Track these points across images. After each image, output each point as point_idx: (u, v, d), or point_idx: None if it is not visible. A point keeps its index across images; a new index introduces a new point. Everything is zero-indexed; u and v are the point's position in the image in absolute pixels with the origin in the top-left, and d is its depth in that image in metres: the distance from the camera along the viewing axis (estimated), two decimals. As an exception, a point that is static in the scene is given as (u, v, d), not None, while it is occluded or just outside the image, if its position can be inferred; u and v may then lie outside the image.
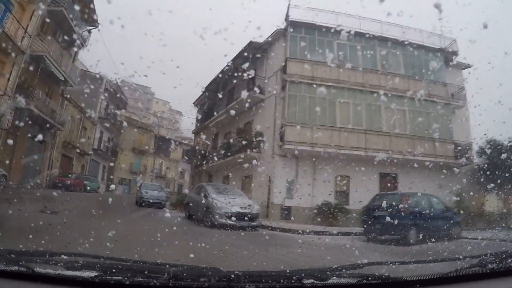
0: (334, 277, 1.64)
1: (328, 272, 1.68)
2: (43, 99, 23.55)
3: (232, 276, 1.55)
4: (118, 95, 41.10)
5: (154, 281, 1.47)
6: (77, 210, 13.41)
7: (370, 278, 1.63)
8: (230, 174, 23.37)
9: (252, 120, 22.34)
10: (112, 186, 39.39)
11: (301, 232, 13.34)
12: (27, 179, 23.61)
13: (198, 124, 33.08)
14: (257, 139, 20.27)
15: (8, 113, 20.75)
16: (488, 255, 2.00)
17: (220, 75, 27.11)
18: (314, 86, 20.54)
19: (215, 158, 24.44)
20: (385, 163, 19.85)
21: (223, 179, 24.21)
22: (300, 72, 20.51)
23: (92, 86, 37.01)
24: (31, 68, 23.11)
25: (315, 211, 18.71)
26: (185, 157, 33.15)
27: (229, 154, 21.95)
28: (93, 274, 1.49)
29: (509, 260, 1.77)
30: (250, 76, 22.27)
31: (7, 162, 22.16)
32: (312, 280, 1.56)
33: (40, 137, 24.81)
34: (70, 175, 27.10)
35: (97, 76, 38.44)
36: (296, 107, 19.81)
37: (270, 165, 19.30)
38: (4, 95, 20.54)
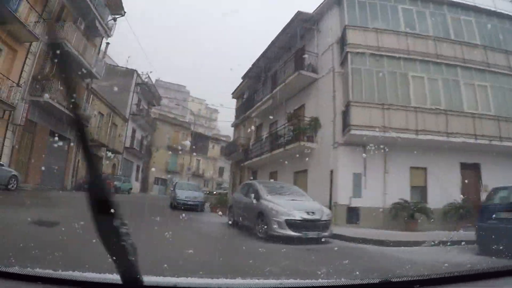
0: (333, 278, 1.72)
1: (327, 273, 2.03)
2: (62, 91, 20.78)
3: None
4: (150, 90, 38.43)
5: None
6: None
7: (370, 279, 1.60)
8: (277, 169, 19.83)
9: (304, 104, 18.66)
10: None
11: (389, 242, 9.68)
12: (48, 180, 21.03)
13: (238, 116, 29.73)
14: (312, 126, 16.64)
15: (22, 107, 18.09)
16: None
17: (261, 58, 23.69)
18: (381, 57, 16.64)
19: (260, 152, 20.99)
20: (467, 151, 16.26)
21: (270, 175, 20.70)
22: (363, 41, 16.60)
23: (121, 81, 34.60)
24: (48, 57, 20.51)
25: (390, 212, 14.96)
26: (225, 153, 29.56)
27: (277, 146, 18.42)
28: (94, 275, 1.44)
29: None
30: (299, 54, 18.71)
31: (24, 161, 19.75)
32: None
33: (62, 133, 22.16)
34: (98, 176, 24.31)
35: (127, 70, 36.01)
36: (361, 84, 15.96)
37: (332, 157, 15.59)
38: (17, 87, 17.87)
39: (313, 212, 9.49)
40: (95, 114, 26.90)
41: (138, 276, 1.36)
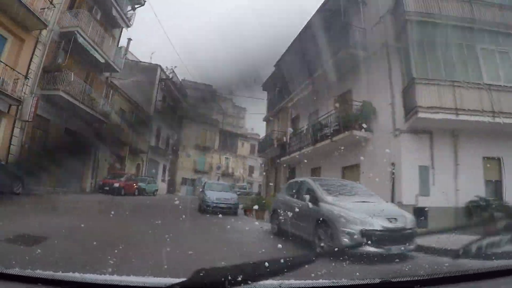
0: (332, 278, 1.59)
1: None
2: (77, 84, 18.73)
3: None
4: (175, 86, 36.31)
5: None
6: (98, 226, 8.00)
7: (370, 279, 1.58)
8: (321, 165, 17.12)
9: (351, 89, 15.87)
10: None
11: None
12: (65, 183, 19.02)
13: (270, 110, 27.12)
14: (365, 112, 13.89)
15: (30, 101, 16.06)
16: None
17: (297, 41, 21.05)
18: (445, 26, 13.70)
19: (299, 146, 18.34)
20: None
21: (312, 172, 18.02)
22: (423, 8, 13.73)
23: (144, 77, 32.61)
24: (60, 47, 18.50)
25: (466, 212, 12.06)
26: (258, 149, 26.95)
27: (321, 138, 15.73)
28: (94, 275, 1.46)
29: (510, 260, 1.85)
30: (343, 30, 15.95)
31: (36, 162, 17.77)
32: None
33: (79, 131, 20.13)
34: (120, 177, 22.28)
35: (150, 65, 34.01)
36: (425, 58, 13.09)
37: (392, 147, 12.77)
38: (24, 79, 15.86)
39: (395, 219, 6.80)
40: (116, 110, 24.83)
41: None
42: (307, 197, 7.73)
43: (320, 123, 15.90)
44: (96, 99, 20.31)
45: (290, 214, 8.32)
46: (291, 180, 10.48)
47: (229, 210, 15.63)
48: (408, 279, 1.57)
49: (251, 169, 53.41)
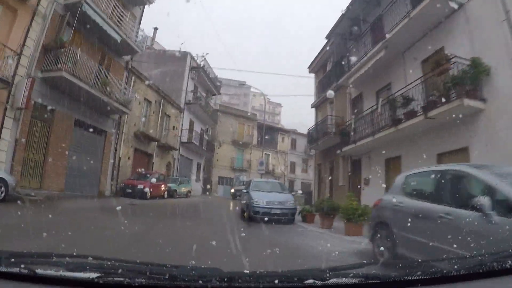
0: (334, 278, 1.52)
1: (328, 273, 1.58)
2: (86, 64, 15.28)
3: (233, 276, 1.47)
4: (208, 75, 32.69)
5: (155, 281, 1.42)
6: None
7: (371, 278, 1.55)
8: (401, 153, 12.82)
9: (443, 47, 11.43)
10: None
11: None
12: (77, 185, 15.71)
13: (321, 93, 22.91)
14: (474, 74, 9.53)
15: (24, 83, 12.68)
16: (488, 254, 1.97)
17: (355, 4, 16.92)
18: None
19: (370, 131, 14.09)
20: None
21: (387, 164, 13.77)
22: None
23: (173, 66, 29.23)
24: (65, 21, 15.08)
25: None
26: (308, 140, 22.57)
27: (405, 116, 11.44)
28: (94, 275, 1.40)
29: (509, 259, 1.67)
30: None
31: (38, 161, 14.42)
32: (313, 280, 1.47)
33: (93, 124, 16.70)
34: (146, 177, 18.75)
35: (179, 53, 30.58)
36: None
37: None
38: (14, 55, 12.49)
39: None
40: (140, 101, 21.37)
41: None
42: (486, 201, 3.59)
43: (403, 97, 11.54)
44: (111, 84, 16.79)
45: (426, 232, 4.18)
46: (418, 171, 5.79)
47: (285, 218, 11.65)
48: (411, 278, 1.53)
49: (293, 166, 49.27)
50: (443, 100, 9.67)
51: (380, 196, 6.99)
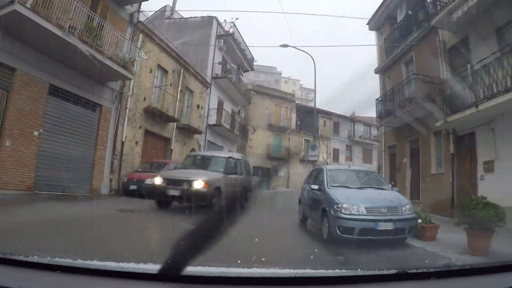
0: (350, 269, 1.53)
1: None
2: (62, 2, 10.11)
3: (241, 276, 1.45)
4: (238, 45, 27.21)
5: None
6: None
7: (387, 270, 1.53)
8: None
9: None
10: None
11: None
12: (56, 180, 10.79)
13: (390, 52, 17.02)
14: None
15: None
16: None
17: None
18: None
19: (494, 91, 8.36)
20: None
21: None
22: None
23: (197, 34, 24.06)
24: None
25: None
26: (379, 114, 16.21)
27: None
28: (114, 264, 1.42)
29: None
30: None
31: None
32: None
33: (79, 94, 11.50)
34: (158, 168, 13.61)
35: (203, 19, 25.34)
36: None
37: None
38: None
39: None
40: (152, 68, 16.20)
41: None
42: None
43: None
44: (103, 37, 11.60)
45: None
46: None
47: (400, 236, 6.17)
48: (425, 270, 1.56)
49: (336, 153, 43.29)
50: None
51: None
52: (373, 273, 1.50)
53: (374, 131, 47.11)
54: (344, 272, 1.51)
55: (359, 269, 1.54)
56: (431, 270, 1.54)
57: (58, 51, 10.59)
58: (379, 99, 16.75)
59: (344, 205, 6.01)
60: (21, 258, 1.40)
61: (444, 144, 12.55)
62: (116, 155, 13.68)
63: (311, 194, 7.86)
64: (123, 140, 13.95)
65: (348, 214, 5.90)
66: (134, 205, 9.92)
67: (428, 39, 13.77)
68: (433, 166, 13.22)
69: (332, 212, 6.09)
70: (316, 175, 8.58)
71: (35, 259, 1.40)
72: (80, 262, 1.39)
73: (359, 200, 6.18)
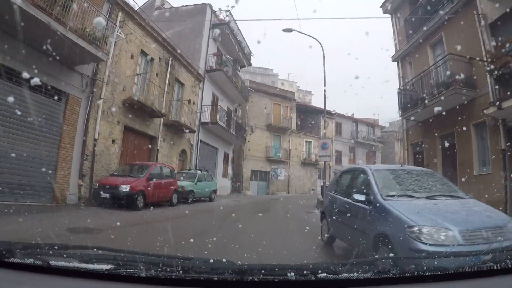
0: (346, 272, 1.49)
1: (341, 266, 1.57)
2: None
3: (245, 268, 1.48)
4: (234, 35, 24.82)
5: (168, 273, 1.40)
6: None
7: (382, 273, 1.54)
8: None
9: None
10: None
11: None
12: (4, 186, 8.33)
13: (412, 35, 14.60)
14: None
15: None
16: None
17: None
18: None
19: None
20: None
21: None
22: None
23: (189, 23, 21.79)
24: None
25: None
26: (401, 106, 13.53)
27: None
28: (107, 267, 1.40)
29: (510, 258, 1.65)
30: None
31: None
32: (325, 274, 1.47)
33: (40, 77, 8.93)
34: (139, 171, 11.14)
35: (196, 7, 23.07)
36: None
37: None
38: None
39: None
40: (134, 53, 13.74)
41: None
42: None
43: None
44: (64, 2, 9.11)
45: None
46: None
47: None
48: (422, 274, 1.52)
49: (338, 155, 40.90)
50: None
51: None
52: (370, 277, 1.48)
53: (378, 132, 44.90)
54: (342, 277, 1.46)
55: (355, 273, 1.47)
56: (428, 273, 1.51)
57: (7, 21, 8.12)
58: (401, 89, 14.30)
59: (425, 229, 3.52)
60: (16, 260, 1.38)
61: (491, 138, 10.18)
62: (87, 155, 11.18)
63: (347, 208, 5.25)
64: (96, 137, 11.44)
65: (433, 245, 3.40)
66: (98, 221, 7.43)
67: (462, 14, 11.44)
68: (475, 166, 10.83)
69: (401, 240, 3.57)
70: (351, 180, 5.94)
71: (30, 262, 1.38)
72: (74, 265, 1.38)
73: (445, 219, 3.71)
